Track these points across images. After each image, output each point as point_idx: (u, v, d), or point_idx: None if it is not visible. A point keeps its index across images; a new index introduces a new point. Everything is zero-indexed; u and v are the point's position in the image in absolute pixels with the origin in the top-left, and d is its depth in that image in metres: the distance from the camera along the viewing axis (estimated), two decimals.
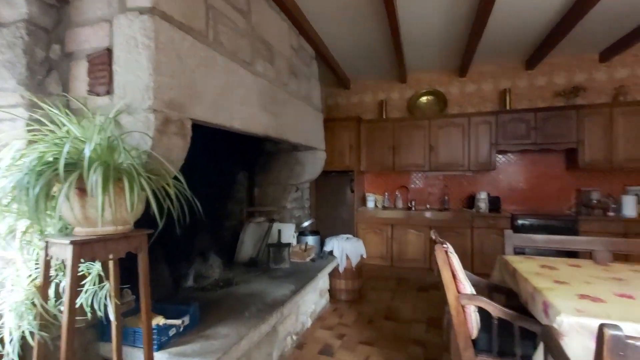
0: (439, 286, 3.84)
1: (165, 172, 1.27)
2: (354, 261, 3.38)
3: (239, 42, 2.03)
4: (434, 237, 1.89)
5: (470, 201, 4.28)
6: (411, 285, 3.84)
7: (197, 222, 2.83)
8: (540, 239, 2.42)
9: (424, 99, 4.72)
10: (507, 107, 4.20)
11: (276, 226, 3.24)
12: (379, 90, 4.96)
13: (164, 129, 1.40)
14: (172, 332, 1.59)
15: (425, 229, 4.09)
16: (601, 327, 0.79)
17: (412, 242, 4.13)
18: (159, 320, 1.53)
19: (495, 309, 1.46)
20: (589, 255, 2.19)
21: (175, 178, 1.29)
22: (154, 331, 1.50)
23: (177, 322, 1.56)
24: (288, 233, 3.26)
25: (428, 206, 4.57)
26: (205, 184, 2.96)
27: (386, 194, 4.81)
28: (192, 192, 1.30)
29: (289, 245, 3.07)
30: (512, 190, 4.29)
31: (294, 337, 2.44)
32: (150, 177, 1.18)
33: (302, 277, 2.72)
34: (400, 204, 4.67)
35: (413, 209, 4.49)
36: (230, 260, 3.16)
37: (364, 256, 3.53)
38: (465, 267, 3.91)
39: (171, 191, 1.18)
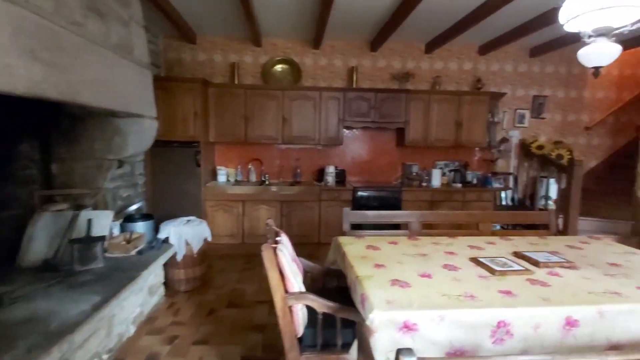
0: None
1: None
2: (196, 246, 3.00)
3: None
4: (268, 227, 1.72)
5: (321, 174, 4.44)
6: (260, 262, 3.76)
7: None
8: (371, 215, 2.62)
9: (278, 67, 4.47)
10: (354, 85, 4.42)
11: (85, 215, 2.50)
12: (231, 51, 4.43)
13: None
14: None
15: (276, 204, 4.03)
16: (398, 352, 0.73)
17: (264, 217, 4.01)
18: None
19: (320, 305, 1.41)
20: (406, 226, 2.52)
21: None
22: None
23: None
24: (103, 222, 2.58)
25: (282, 180, 4.52)
26: None
27: (239, 167, 4.50)
28: None
29: (102, 238, 2.42)
30: (355, 163, 4.67)
31: (105, 357, 1.96)
32: None
33: (120, 277, 2.19)
34: (253, 177, 4.46)
35: (267, 182, 4.35)
36: (10, 266, 2.29)
37: (209, 239, 3.19)
38: (312, 239, 4.03)
39: None
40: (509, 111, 4.78)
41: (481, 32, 4.08)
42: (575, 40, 4.02)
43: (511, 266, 1.64)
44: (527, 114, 4.81)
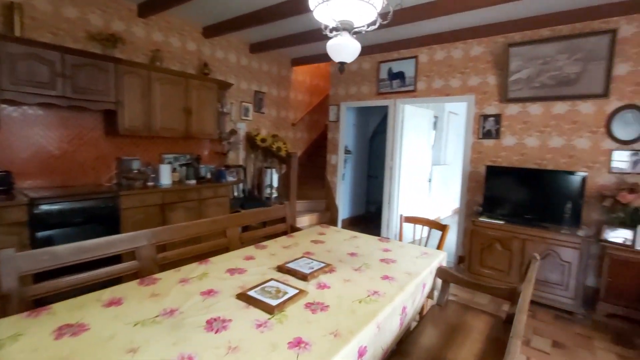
0: None
1: None
2: None
3: None
4: None
5: None
6: None
7: None
8: (63, 252, 1.56)
9: None
10: (17, 34, 2.73)
11: None
12: None
13: None
14: None
15: None
16: None
17: None
18: None
19: None
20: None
21: None
22: None
23: None
24: None
25: None
26: None
27: None
28: None
29: None
30: (35, 161, 2.98)
31: None
32: None
33: None
34: None
35: None
36: None
37: None
38: None
39: None
40: (236, 103, 4.76)
41: (205, 12, 3.67)
42: (283, 45, 4.50)
43: (285, 291, 1.34)
44: (251, 107, 5.00)
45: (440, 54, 4.07)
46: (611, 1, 2.95)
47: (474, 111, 3.86)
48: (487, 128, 3.78)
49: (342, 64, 1.56)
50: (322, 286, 1.46)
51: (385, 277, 1.59)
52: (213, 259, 1.73)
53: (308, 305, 1.28)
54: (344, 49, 1.51)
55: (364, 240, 2.23)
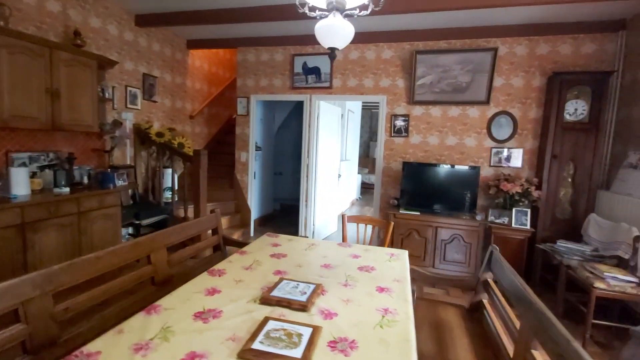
0: None
1: None
2: None
3: None
4: None
5: None
6: None
7: None
8: None
9: None
10: None
11: None
12: None
13: None
14: None
15: None
16: None
17: None
18: None
19: None
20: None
21: None
22: None
23: None
24: None
25: None
26: None
27: None
28: None
29: None
30: None
31: None
32: None
33: None
34: None
35: None
36: None
37: None
38: None
39: None
40: (119, 87, 3.79)
41: None
42: (177, 23, 3.82)
43: (299, 332, 1.06)
44: (139, 94, 4.07)
45: (355, 54, 4.17)
46: (491, 25, 3.56)
47: (385, 110, 4.11)
48: (397, 127, 4.08)
49: (332, 49, 1.32)
50: (327, 315, 1.22)
51: (380, 290, 1.46)
52: (163, 303, 1.26)
53: (333, 346, 1.03)
54: (336, 32, 1.28)
55: (325, 248, 2.05)
